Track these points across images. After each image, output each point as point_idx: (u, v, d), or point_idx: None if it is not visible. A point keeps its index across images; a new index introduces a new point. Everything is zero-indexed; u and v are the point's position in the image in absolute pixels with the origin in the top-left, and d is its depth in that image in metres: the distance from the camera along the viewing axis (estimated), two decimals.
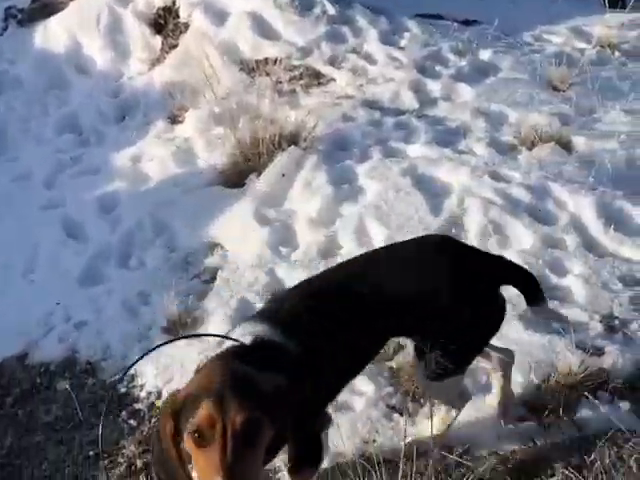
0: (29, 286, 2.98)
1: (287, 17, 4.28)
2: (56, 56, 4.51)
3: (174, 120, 3.89)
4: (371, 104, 3.74)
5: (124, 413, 2.30)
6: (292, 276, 2.73)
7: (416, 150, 3.32)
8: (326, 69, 4.04)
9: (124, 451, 2.14)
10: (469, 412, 2.12)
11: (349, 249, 2.82)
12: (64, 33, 4.55)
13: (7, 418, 2.35)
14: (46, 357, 2.59)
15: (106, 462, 2.10)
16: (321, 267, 2.72)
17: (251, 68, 4.05)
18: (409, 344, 2.35)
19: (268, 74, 4.03)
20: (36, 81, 4.43)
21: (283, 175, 3.20)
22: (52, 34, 4.58)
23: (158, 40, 4.45)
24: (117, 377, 2.43)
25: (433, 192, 3.05)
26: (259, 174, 3.24)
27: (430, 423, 2.07)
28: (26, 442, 2.25)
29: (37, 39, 4.59)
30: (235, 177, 3.29)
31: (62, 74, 4.47)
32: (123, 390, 2.40)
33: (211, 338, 2.44)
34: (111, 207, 3.38)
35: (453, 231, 2.84)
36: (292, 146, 3.27)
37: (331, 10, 4.36)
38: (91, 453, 2.17)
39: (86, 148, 3.95)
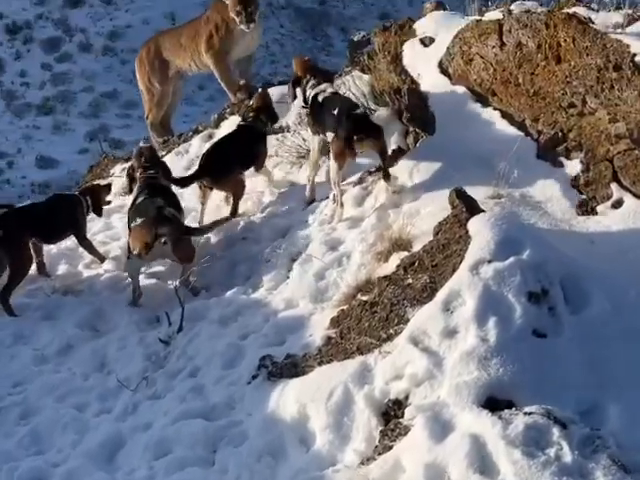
0: None
1: (510, 453, 3.67)
2: (282, 421, 4.43)
3: None
4: None
5: None
6: None
7: None
8: None
9: None
10: None
11: None
12: (295, 400, 4.45)
13: None
14: None
15: None
16: None
17: None
18: None
19: None
20: (256, 443, 4.36)
21: None
22: (286, 397, 4.51)
23: (377, 435, 4.15)
24: None
25: None
26: None
27: None
28: None
29: (273, 398, 4.56)
30: None
31: (282, 442, 4.35)
32: None
33: None
34: None
35: None
36: None
37: (567, 456, 3.62)
38: None
39: None
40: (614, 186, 5.22)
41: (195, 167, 6.70)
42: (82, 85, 17.70)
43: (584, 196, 5.31)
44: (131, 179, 6.26)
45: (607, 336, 4.27)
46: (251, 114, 6.73)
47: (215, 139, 7.02)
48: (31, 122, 16.79)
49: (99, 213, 6.61)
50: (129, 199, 6.25)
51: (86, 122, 16.87)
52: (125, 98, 16.82)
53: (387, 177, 5.70)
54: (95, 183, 7.20)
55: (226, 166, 6.34)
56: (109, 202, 6.84)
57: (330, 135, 5.82)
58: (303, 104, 6.28)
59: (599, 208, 5.20)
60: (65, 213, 6.35)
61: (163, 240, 5.64)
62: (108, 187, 6.88)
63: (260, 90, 7.09)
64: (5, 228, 6.00)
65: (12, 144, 16.08)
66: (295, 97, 6.40)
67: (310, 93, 6.12)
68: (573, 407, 3.95)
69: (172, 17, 17.92)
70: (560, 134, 5.58)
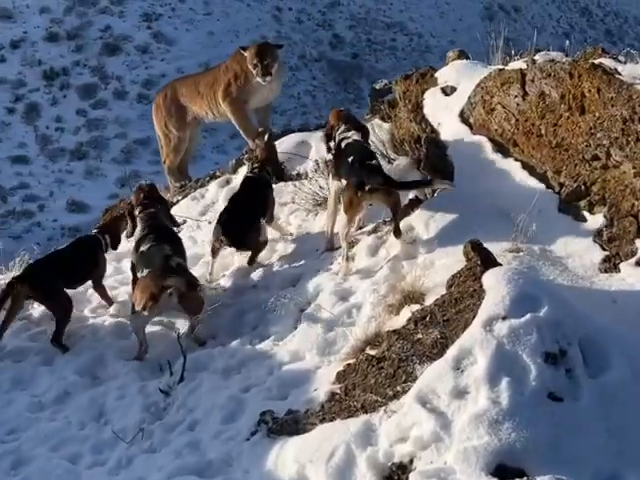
0: None
1: None
2: None
3: None
4: None
5: None
6: None
7: None
8: None
9: None
10: None
11: None
12: (294, 459, 4.21)
13: None
14: None
15: None
16: None
17: None
18: None
19: None
20: None
21: None
22: (285, 456, 4.27)
23: None
24: None
25: None
26: None
27: None
28: None
29: (272, 456, 4.32)
30: None
31: None
32: None
33: None
34: None
35: None
36: None
37: None
38: None
39: None
40: (639, 242, 4.97)
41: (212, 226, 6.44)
42: (115, 131, 17.93)
43: (607, 252, 5.05)
44: (132, 218, 6.06)
45: (627, 402, 3.99)
46: (256, 165, 6.59)
47: (223, 206, 6.72)
48: (64, 166, 16.99)
49: (115, 247, 6.45)
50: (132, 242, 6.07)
51: (118, 168, 17.01)
52: (157, 145, 16.93)
53: (397, 233, 5.47)
54: (110, 218, 7.01)
55: (244, 227, 6.12)
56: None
57: (344, 182, 5.67)
58: (332, 151, 6.11)
59: (622, 265, 4.93)
60: (87, 256, 6.23)
61: (169, 292, 5.36)
62: (123, 218, 6.68)
63: (266, 142, 6.95)
64: (36, 278, 5.89)
65: (45, 187, 16.25)
66: (330, 150, 6.19)
67: (337, 139, 5.98)
68: (589, 477, 3.67)
69: (206, 66, 18.09)
70: (583, 187, 5.36)
